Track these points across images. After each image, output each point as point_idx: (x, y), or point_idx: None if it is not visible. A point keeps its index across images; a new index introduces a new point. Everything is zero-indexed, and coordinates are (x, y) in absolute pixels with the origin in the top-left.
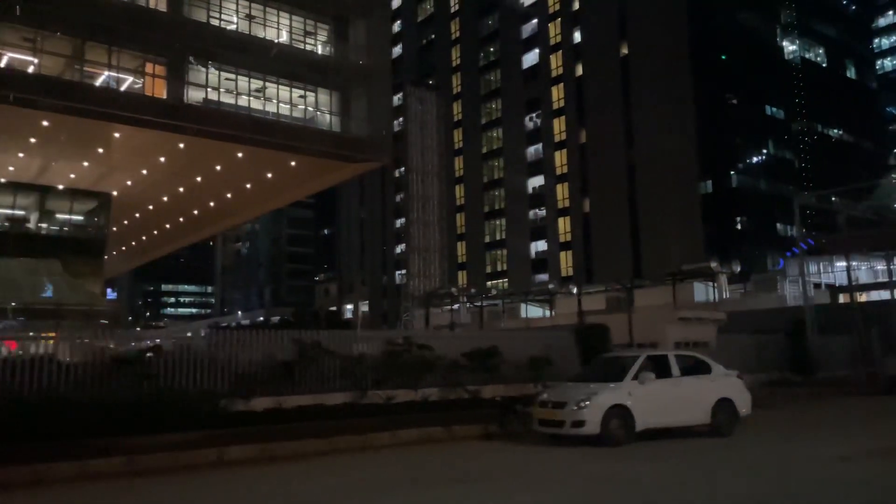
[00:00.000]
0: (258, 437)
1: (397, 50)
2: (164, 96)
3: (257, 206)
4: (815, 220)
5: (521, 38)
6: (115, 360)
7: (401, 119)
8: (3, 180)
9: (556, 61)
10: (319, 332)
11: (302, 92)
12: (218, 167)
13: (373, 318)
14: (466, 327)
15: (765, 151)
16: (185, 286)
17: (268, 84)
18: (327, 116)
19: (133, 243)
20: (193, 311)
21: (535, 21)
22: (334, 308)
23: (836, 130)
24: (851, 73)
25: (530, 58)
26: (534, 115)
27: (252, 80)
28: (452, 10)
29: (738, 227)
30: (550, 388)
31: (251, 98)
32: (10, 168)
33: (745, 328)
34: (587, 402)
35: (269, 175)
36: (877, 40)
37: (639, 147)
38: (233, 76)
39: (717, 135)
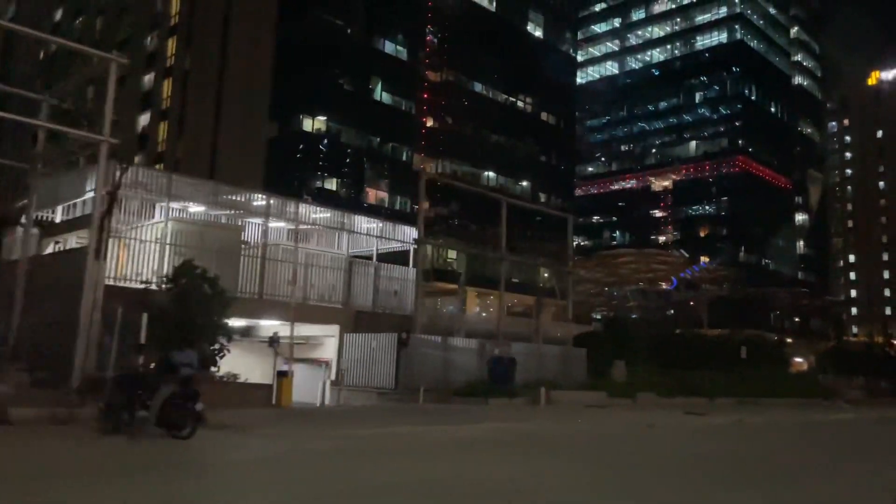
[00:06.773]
0: None
1: None
2: None
3: None
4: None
5: None
6: None
7: None
8: None
9: None
10: None
11: None
12: None
13: None
14: None
15: (369, 96)
16: None
17: None
18: None
19: None
20: None
21: None
22: None
23: (497, 90)
24: (539, 30)
25: None
26: (154, 34)
27: None
28: None
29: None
30: None
31: None
32: None
33: None
34: None
35: None
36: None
37: (231, 74)
38: None
39: (304, 67)
